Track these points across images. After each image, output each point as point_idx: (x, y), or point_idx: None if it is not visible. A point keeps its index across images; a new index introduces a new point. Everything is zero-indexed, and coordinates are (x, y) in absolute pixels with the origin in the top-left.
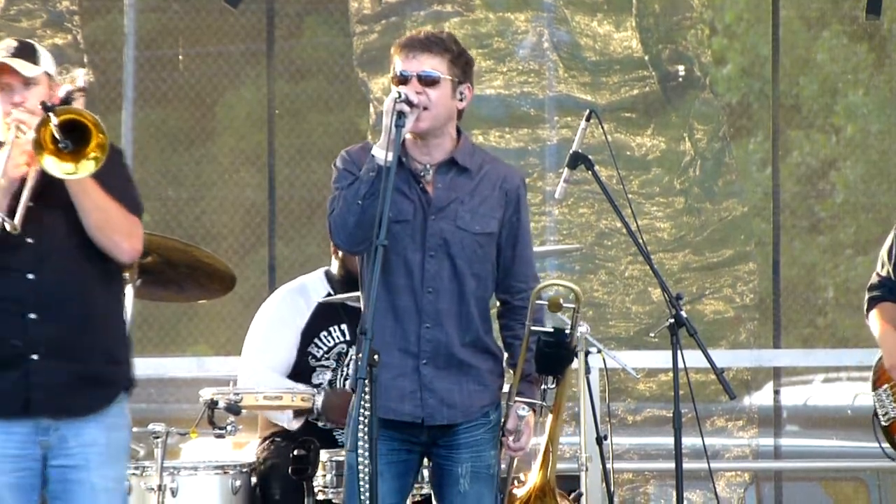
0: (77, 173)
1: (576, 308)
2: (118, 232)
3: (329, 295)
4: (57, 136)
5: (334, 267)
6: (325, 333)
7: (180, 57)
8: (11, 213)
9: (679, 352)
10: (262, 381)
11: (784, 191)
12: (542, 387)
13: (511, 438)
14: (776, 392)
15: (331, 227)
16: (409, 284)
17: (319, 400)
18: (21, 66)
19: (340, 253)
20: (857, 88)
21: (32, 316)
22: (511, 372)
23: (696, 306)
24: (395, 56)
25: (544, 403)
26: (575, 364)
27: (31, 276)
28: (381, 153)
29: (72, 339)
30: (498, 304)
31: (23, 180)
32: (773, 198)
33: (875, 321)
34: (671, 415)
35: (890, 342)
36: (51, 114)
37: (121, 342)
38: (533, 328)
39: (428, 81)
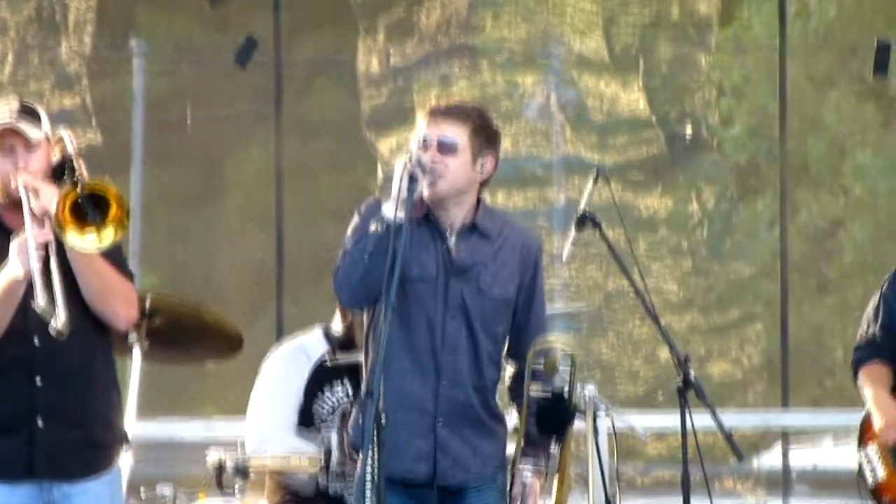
0: (101, 244)
1: (572, 371)
2: (117, 299)
3: (327, 354)
4: (85, 209)
5: (337, 325)
6: (328, 392)
7: (188, 118)
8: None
9: (688, 413)
10: (273, 440)
11: (792, 251)
12: (548, 450)
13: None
14: (785, 453)
15: (335, 283)
16: (429, 343)
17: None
18: (28, 129)
19: (348, 315)
20: (865, 148)
21: (39, 382)
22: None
23: (704, 367)
24: (420, 119)
25: (549, 465)
26: (581, 425)
27: (36, 342)
28: (391, 211)
29: (75, 406)
30: (508, 370)
31: (46, 274)
32: (781, 258)
33: (864, 383)
34: (680, 476)
35: (884, 403)
36: (78, 187)
37: (115, 407)
38: (532, 391)
39: (446, 149)
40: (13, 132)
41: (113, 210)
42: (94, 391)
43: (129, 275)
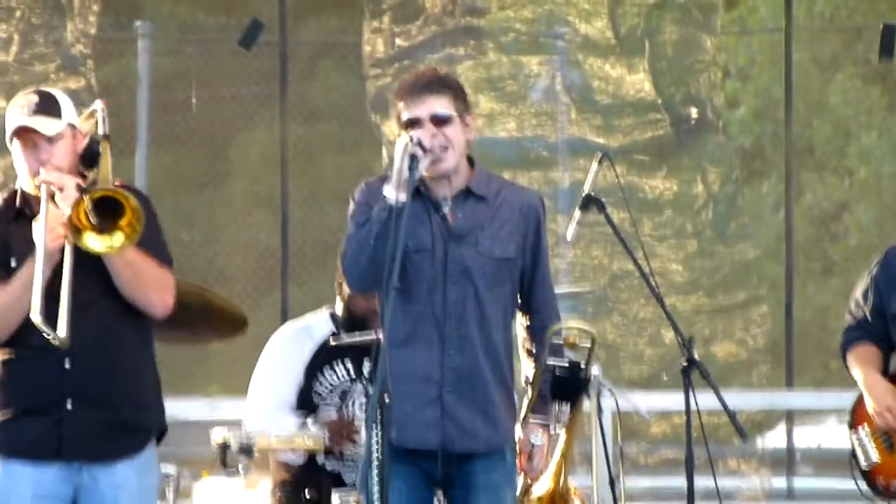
0: (116, 246)
1: (591, 348)
2: (150, 287)
3: (333, 334)
4: (91, 218)
5: (338, 308)
6: (329, 371)
7: (193, 100)
8: (51, 317)
9: (692, 394)
10: (270, 420)
11: (797, 233)
12: (558, 410)
13: (526, 460)
14: (789, 434)
15: (343, 268)
16: (431, 312)
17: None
18: (43, 124)
19: (346, 293)
20: (871, 131)
21: (67, 365)
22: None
23: (709, 349)
24: (397, 102)
25: (559, 421)
26: (586, 405)
27: None
28: (393, 193)
29: (104, 388)
30: (519, 322)
31: (56, 283)
32: (786, 240)
33: (855, 364)
34: (684, 457)
35: (876, 385)
36: (85, 196)
37: (151, 390)
38: (549, 362)
39: (441, 121)
40: (34, 129)
41: (125, 215)
42: (125, 372)
43: (165, 260)
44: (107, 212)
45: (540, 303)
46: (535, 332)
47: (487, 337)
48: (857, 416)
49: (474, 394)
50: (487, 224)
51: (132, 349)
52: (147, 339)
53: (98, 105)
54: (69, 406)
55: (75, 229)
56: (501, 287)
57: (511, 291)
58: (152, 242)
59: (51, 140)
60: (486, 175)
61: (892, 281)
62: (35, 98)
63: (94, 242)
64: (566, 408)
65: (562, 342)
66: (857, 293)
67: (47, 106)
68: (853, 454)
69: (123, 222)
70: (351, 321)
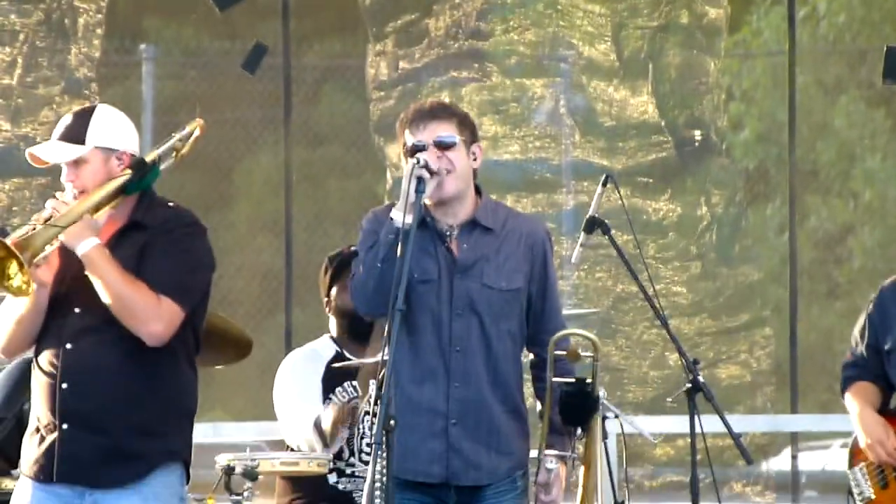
0: (13, 287)
1: (594, 357)
2: (135, 318)
3: (338, 354)
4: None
5: (333, 328)
6: (340, 390)
7: None
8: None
9: (696, 417)
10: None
11: (801, 256)
12: (573, 438)
13: (542, 492)
14: (794, 457)
15: (351, 292)
16: (436, 344)
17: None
18: (53, 153)
19: (333, 306)
20: (875, 154)
21: (64, 386)
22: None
23: (713, 371)
24: (402, 131)
25: (574, 455)
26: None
27: (69, 346)
28: (400, 216)
29: (101, 413)
30: (530, 356)
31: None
32: (790, 263)
33: (851, 401)
34: (688, 480)
35: (869, 420)
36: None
37: (162, 415)
38: (555, 379)
39: (445, 146)
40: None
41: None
42: (128, 399)
43: (170, 290)
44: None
45: (552, 332)
46: (545, 366)
47: (494, 369)
48: (855, 454)
49: (480, 426)
50: (493, 256)
51: (138, 374)
52: (163, 364)
53: (186, 128)
54: (64, 427)
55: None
56: (508, 319)
57: (518, 324)
58: (154, 270)
59: (78, 163)
60: (493, 205)
61: (886, 319)
62: (68, 120)
63: (13, 272)
64: (581, 437)
65: (564, 354)
66: (856, 331)
67: (75, 128)
68: (849, 491)
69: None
70: (349, 329)
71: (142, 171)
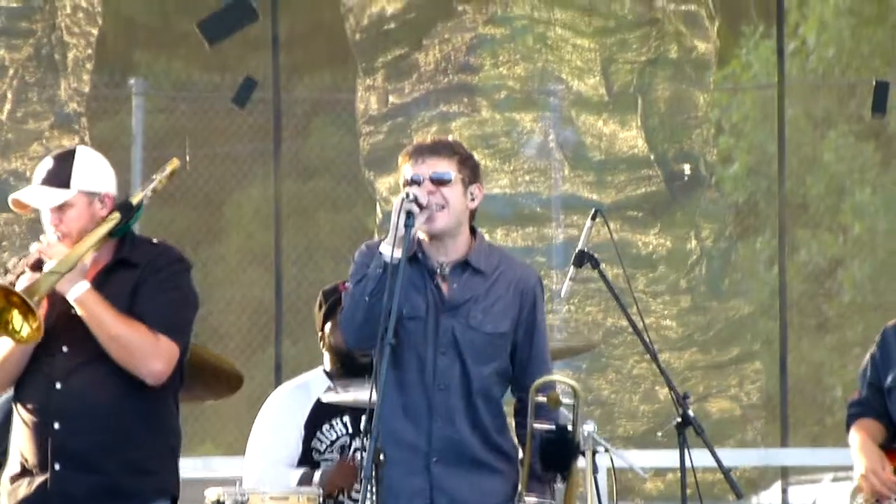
0: (23, 335)
1: (575, 404)
2: (134, 358)
3: (329, 389)
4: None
5: (326, 363)
6: (327, 427)
7: (187, 157)
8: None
9: (686, 451)
10: (268, 477)
11: (791, 289)
12: (553, 485)
13: None
14: (784, 491)
15: (341, 324)
16: (420, 381)
17: (318, 477)
18: (38, 198)
19: (328, 341)
20: (864, 187)
21: (56, 426)
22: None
23: (703, 405)
24: (403, 163)
25: (553, 502)
26: (581, 462)
27: (58, 386)
28: (389, 250)
29: (94, 452)
30: (514, 404)
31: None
32: (780, 296)
33: (854, 435)
34: None
35: (866, 450)
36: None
37: (154, 453)
38: (535, 426)
39: (440, 182)
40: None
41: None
42: (119, 436)
43: (166, 328)
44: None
45: (538, 378)
46: (527, 413)
47: (474, 411)
48: (857, 489)
49: (462, 464)
50: (482, 298)
51: (131, 412)
52: (157, 400)
53: (167, 169)
54: (56, 468)
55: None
56: (491, 362)
57: (502, 368)
58: (150, 309)
59: (63, 207)
60: (487, 248)
61: (887, 358)
62: (50, 164)
63: (17, 321)
64: (561, 486)
65: (545, 401)
66: (860, 371)
67: (58, 173)
68: None
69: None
70: (341, 364)
71: (129, 214)
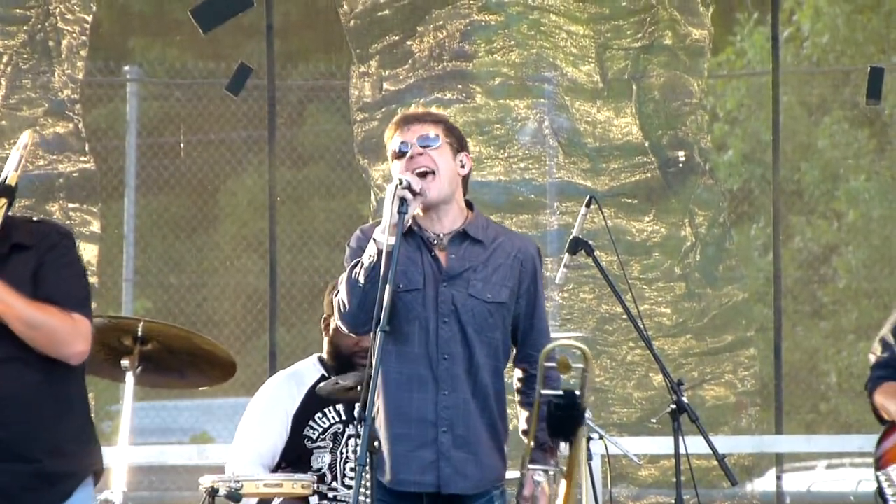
0: None
1: (585, 367)
2: (56, 342)
3: (322, 378)
4: None
5: (324, 348)
6: (319, 415)
7: (182, 144)
8: None
9: (681, 438)
10: (249, 471)
11: (786, 276)
12: (557, 454)
13: None
14: (779, 478)
15: (336, 310)
16: (424, 353)
17: None
18: None
19: (330, 332)
20: (859, 174)
21: None
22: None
23: (698, 392)
24: (390, 136)
25: (558, 469)
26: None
27: None
28: (383, 237)
29: (20, 440)
30: (516, 374)
31: None
32: (774, 283)
33: (884, 400)
34: (673, 501)
35: None
36: None
37: (75, 435)
38: (543, 392)
39: (428, 143)
40: None
41: None
42: (45, 423)
43: (76, 306)
44: None
45: (539, 349)
46: (535, 381)
47: (475, 380)
48: (885, 456)
49: (467, 434)
50: (481, 267)
51: (53, 398)
52: (71, 382)
53: (23, 139)
54: None
55: None
56: (491, 332)
57: (502, 338)
58: (58, 289)
59: None
60: (485, 221)
61: None
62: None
63: None
64: (565, 452)
65: (555, 365)
66: (884, 331)
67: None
68: (880, 493)
69: None
70: (338, 360)
71: (13, 195)
